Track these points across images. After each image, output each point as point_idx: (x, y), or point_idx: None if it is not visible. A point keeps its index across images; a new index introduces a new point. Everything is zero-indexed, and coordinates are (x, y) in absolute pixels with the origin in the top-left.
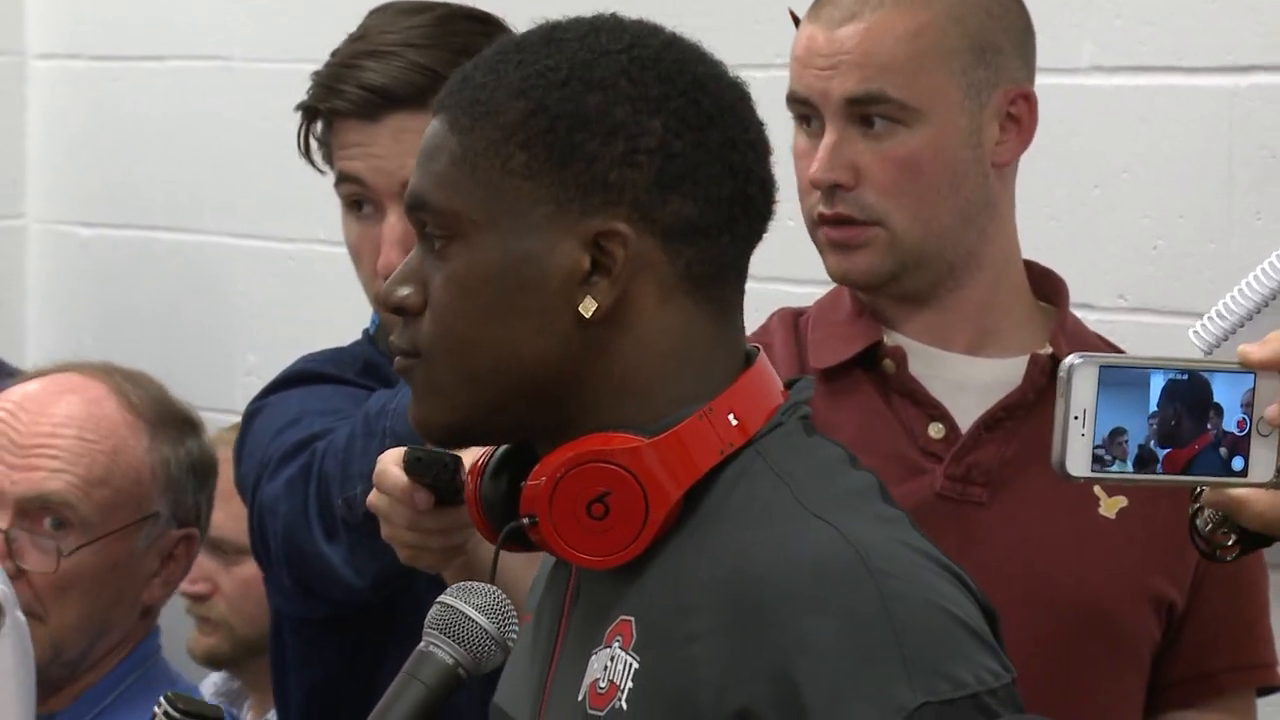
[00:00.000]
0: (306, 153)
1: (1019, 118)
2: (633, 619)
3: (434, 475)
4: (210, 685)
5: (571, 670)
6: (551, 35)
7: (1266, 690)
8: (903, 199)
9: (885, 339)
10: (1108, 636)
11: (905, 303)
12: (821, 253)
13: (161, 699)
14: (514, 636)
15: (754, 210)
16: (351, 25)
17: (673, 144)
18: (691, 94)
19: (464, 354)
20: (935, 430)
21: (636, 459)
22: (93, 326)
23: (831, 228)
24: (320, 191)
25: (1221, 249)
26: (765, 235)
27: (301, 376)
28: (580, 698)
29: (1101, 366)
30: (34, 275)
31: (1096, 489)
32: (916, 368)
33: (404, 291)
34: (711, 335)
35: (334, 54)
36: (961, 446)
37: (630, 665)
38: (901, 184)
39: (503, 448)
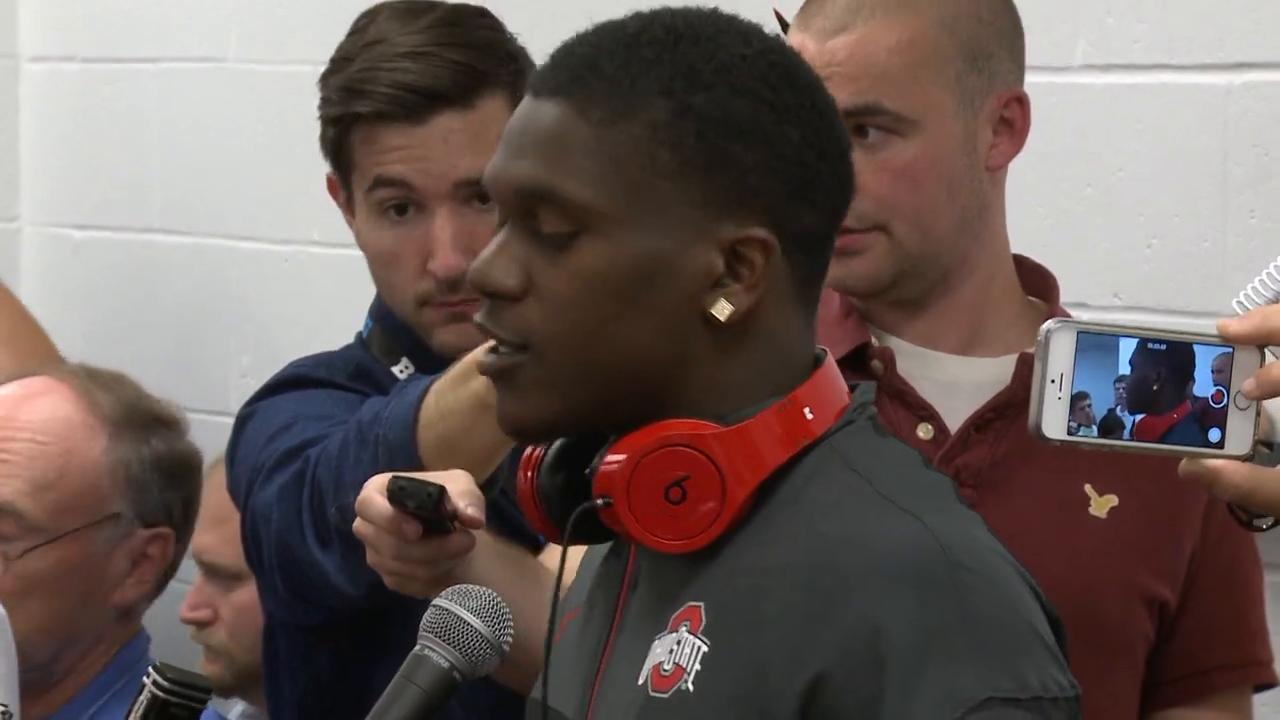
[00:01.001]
0: (338, 159)
1: (1012, 121)
2: (702, 604)
3: (418, 504)
4: (236, 715)
5: (629, 655)
6: (677, 30)
7: (1261, 687)
8: (901, 208)
9: (873, 340)
10: (1100, 636)
11: (897, 306)
12: None
13: (150, 669)
14: (509, 640)
15: (844, 217)
16: (344, 27)
17: (806, 154)
18: (819, 105)
19: (586, 349)
20: (924, 431)
21: (715, 445)
22: (86, 329)
23: None
24: (314, 193)
25: (1216, 247)
26: None
27: (293, 381)
28: (641, 681)
29: (1080, 332)
30: (28, 278)
31: (1087, 488)
32: (906, 368)
33: (503, 275)
34: (801, 334)
35: (345, 59)
36: (950, 448)
37: (699, 648)
38: (899, 194)
39: (560, 441)
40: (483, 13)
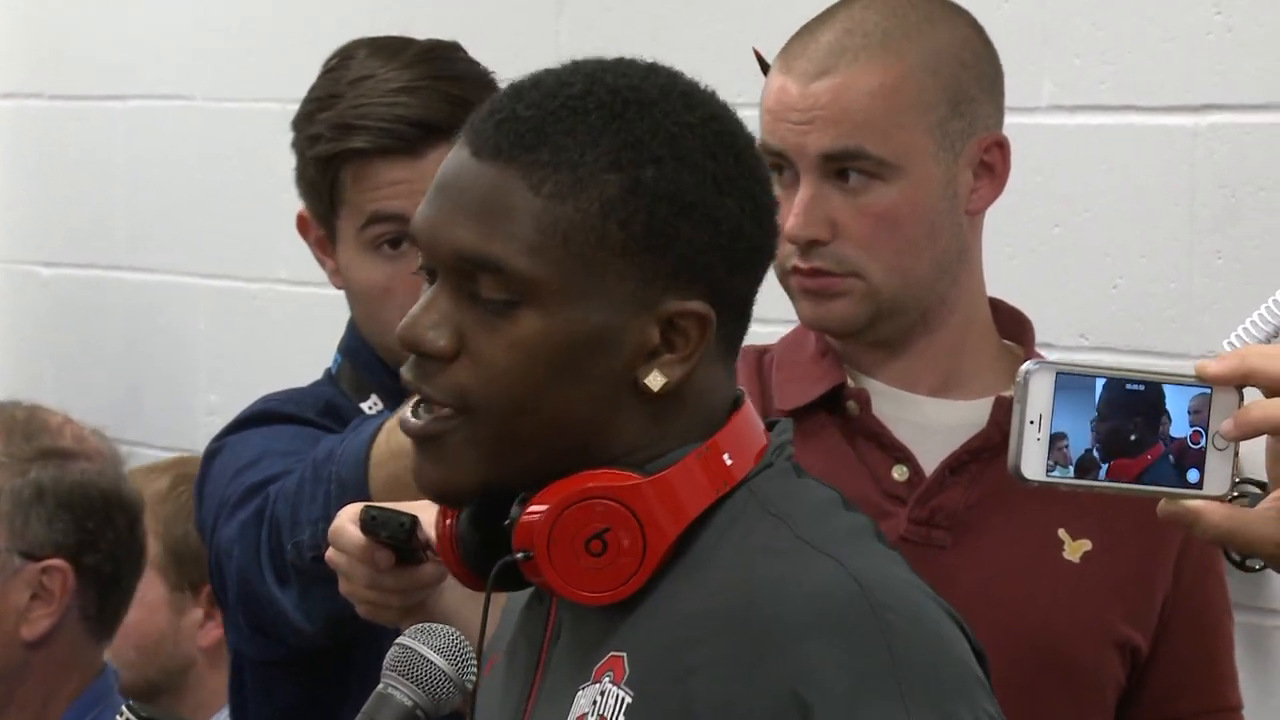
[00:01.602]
0: (320, 197)
1: (993, 165)
2: (625, 654)
3: (390, 534)
4: None
5: (553, 706)
6: (620, 94)
7: None
8: (880, 251)
9: (850, 381)
10: (1071, 680)
11: (874, 347)
12: (793, 299)
13: (124, 708)
14: (472, 678)
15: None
16: (313, 65)
17: (744, 224)
18: (755, 174)
19: (517, 417)
20: (899, 473)
21: (636, 496)
22: (54, 365)
23: (806, 277)
24: (282, 231)
25: (1183, 288)
26: None
27: (262, 417)
28: None
29: (1058, 373)
30: None
31: (1061, 532)
32: (881, 409)
33: (435, 335)
34: (723, 386)
35: (332, 96)
36: (925, 490)
37: (623, 700)
38: (879, 237)
39: None
40: (457, 47)
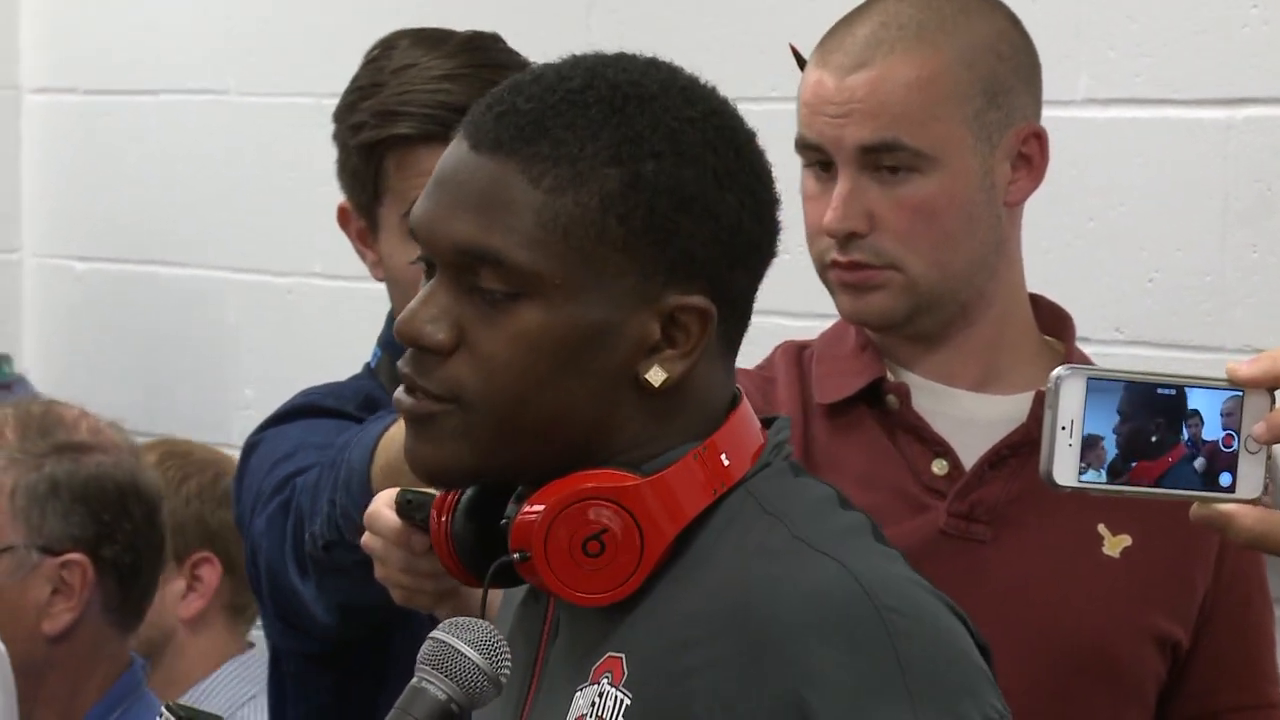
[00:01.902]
0: (364, 186)
1: (1030, 157)
2: (623, 655)
3: (424, 517)
4: None
5: (551, 707)
6: (621, 89)
7: None
8: (919, 244)
9: (889, 375)
10: (1110, 675)
11: (913, 340)
12: (833, 294)
13: (163, 709)
14: (506, 671)
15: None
16: (345, 58)
17: (745, 221)
18: (756, 169)
19: (513, 411)
20: (939, 467)
21: (633, 497)
22: (88, 361)
23: (845, 270)
24: (316, 225)
25: (1217, 282)
26: None
27: (301, 410)
28: None
29: (1089, 378)
30: (29, 309)
31: (1101, 527)
32: (921, 404)
33: (434, 329)
34: (722, 383)
35: (374, 85)
36: (965, 484)
37: (621, 701)
38: (917, 229)
39: (474, 486)
40: (497, 38)
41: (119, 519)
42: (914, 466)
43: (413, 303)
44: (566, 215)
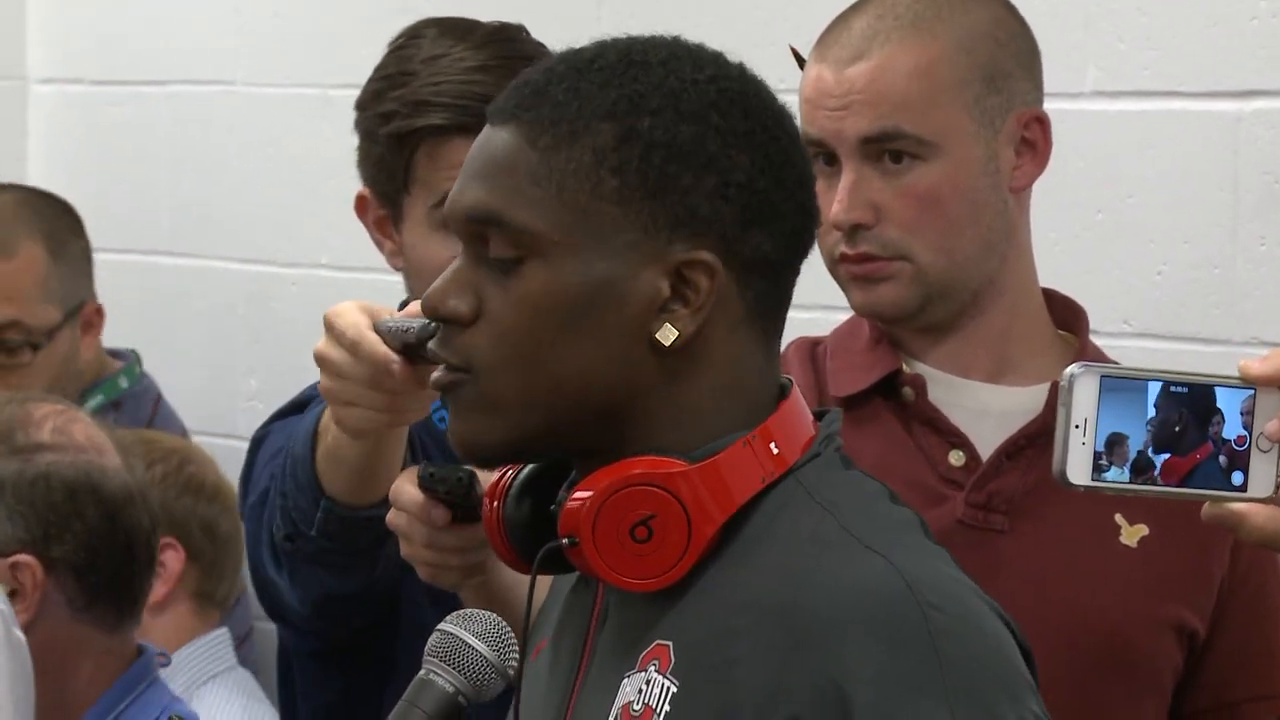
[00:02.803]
0: (390, 176)
1: (1033, 141)
2: (670, 643)
3: (447, 490)
4: None
5: (599, 694)
6: (630, 57)
7: None
8: (925, 232)
9: (905, 367)
10: (1127, 665)
11: (926, 332)
12: (844, 288)
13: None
14: (514, 664)
15: (810, 245)
16: (353, 50)
17: (758, 180)
18: (773, 130)
19: (528, 374)
20: (956, 458)
21: (681, 483)
22: None
23: (854, 263)
24: (322, 216)
25: (1226, 274)
26: None
27: (307, 404)
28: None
29: (1103, 376)
30: None
31: (1118, 517)
32: (936, 395)
33: (455, 302)
34: (761, 365)
35: (404, 74)
36: (983, 474)
37: (668, 689)
38: (923, 218)
39: (528, 468)
40: (523, 29)
41: (68, 518)
42: (931, 458)
43: (439, 279)
44: (560, 170)
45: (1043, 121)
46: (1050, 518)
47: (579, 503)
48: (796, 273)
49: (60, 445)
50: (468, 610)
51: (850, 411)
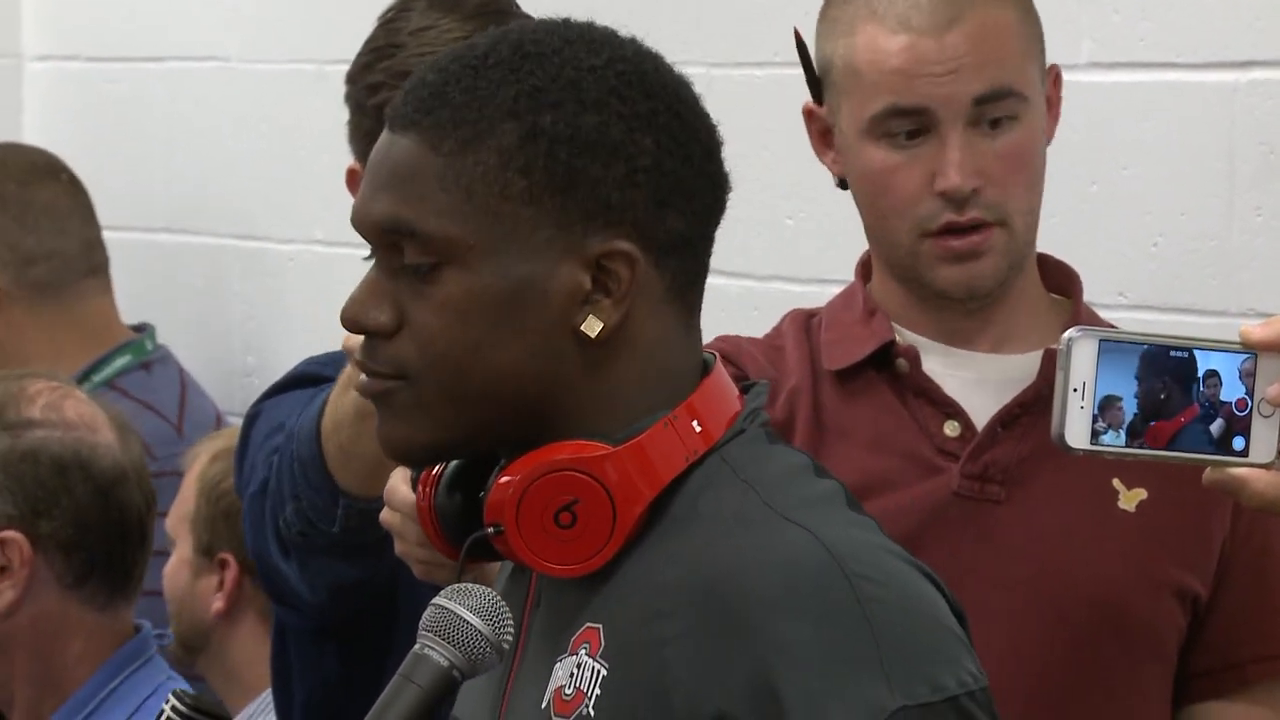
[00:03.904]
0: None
1: (1053, 98)
2: (600, 626)
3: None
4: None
5: (533, 678)
6: (522, 48)
7: None
8: (1017, 193)
9: (898, 338)
10: (1128, 631)
11: (924, 301)
12: (927, 267)
13: (170, 696)
14: (509, 638)
15: (721, 214)
16: (348, 25)
17: (665, 161)
18: (675, 107)
19: (458, 378)
20: (951, 429)
21: (603, 467)
22: None
23: (955, 237)
24: (318, 192)
25: (1222, 246)
26: (764, 234)
27: (301, 379)
28: (544, 705)
29: (1101, 340)
30: None
31: (1115, 482)
32: (931, 366)
33: (376, 313)
34: (682, 343)
35: (392, 45)
36: (978, 444)
37: (598, 672)
38: (1015, 178)
39: (456, 460)
40: (513, 2)
41: (55, 494)
42: (926, 429)
43: (355, 290)
44: (468, 175)
45: (1060, 77)
46: (1047, 485)
47: (503, 489)
48: (711, 243)
49: (50, 422)
50: (462, 584)
51: (845, 385)
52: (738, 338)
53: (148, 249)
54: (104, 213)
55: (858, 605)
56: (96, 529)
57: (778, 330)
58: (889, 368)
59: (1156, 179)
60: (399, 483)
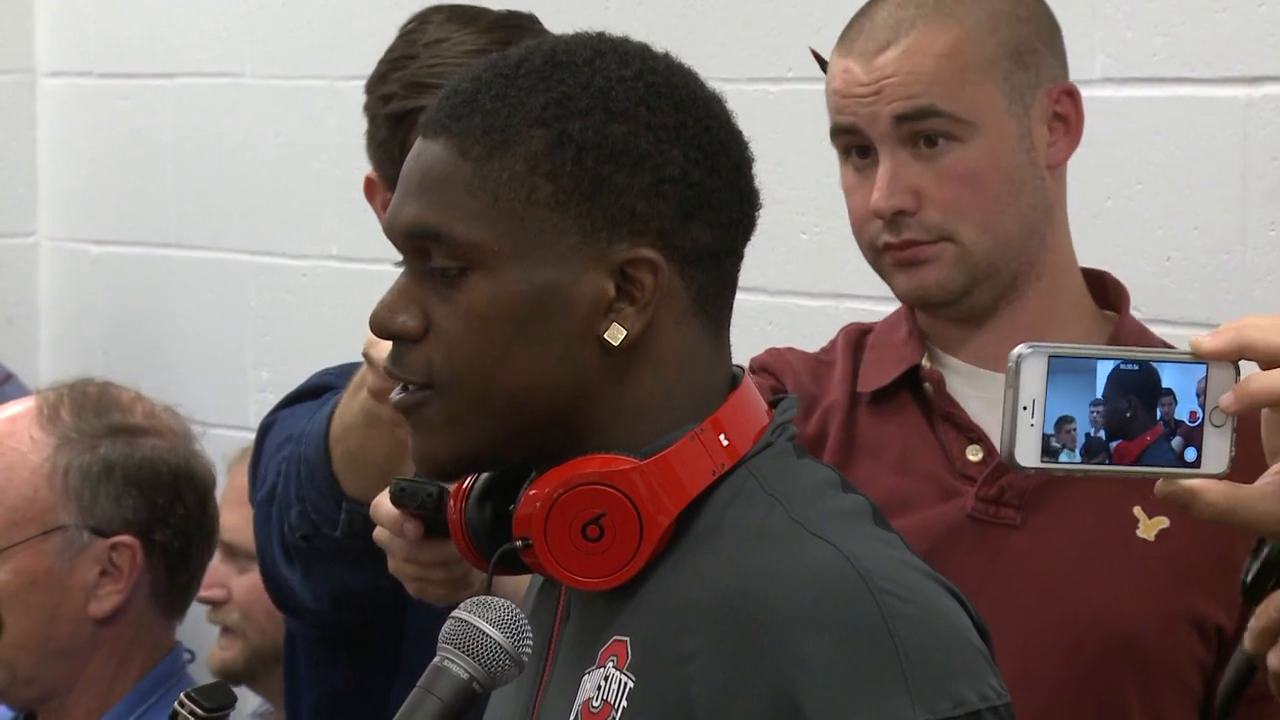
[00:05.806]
0: (390, 157)
1: (1065, 115)
2: (627, 639)
3: (418, 505)
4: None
5: (561, 691)
6: (555, 58)
7: None
8: (968, 212)
9: (925, 362)
10: (1141, 661)
11: (964, 322)
12: (888, 279)
13: (182, 696)
14: (528, 651)
15: (751, 229)
16: (360, 41)
17: (692, 172)
18: (704, 121)
19: (482, 385)
20: (974, 453)
21: (630, 481)
22: (105, 344)
23: (898, 250)
24: (332, 208)
25: (1235, 260)
26: (779, 249)
27: (314, 391)
28: (572, 716)
29: (1051, 356)
30: (45, 293)
31: (1137, 510)
32: (957, 386)
33: (404, 318)
34: (709, 355)
35: (407, 57)
36: (995, 468)
37: (625, 685)
38: (964, 199)
39: (487, 473)
40: (534, 18)
41: (171, 504)
42: (949, 453)
43: (385, 295)
44: (495, 180)
45: (1073, 95)
46: (1065, 512)
47: (531, 503)
48: (740, 259)
49: (156, 429)
50: (482, 597)
51: (879, 404)
52: (785, 350)
53: (160, 264)
54: (115, 229)
55: (882, 621)
56: (197, 540)
57: (832, 344)
58: (918, 390)
59: (1170, 194)
60: (384, 498)
